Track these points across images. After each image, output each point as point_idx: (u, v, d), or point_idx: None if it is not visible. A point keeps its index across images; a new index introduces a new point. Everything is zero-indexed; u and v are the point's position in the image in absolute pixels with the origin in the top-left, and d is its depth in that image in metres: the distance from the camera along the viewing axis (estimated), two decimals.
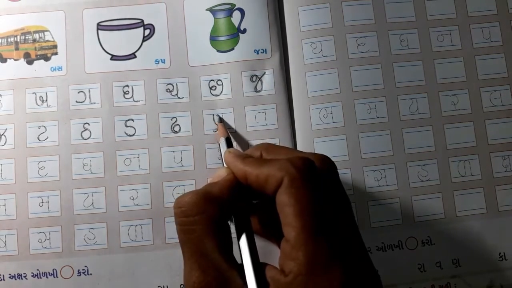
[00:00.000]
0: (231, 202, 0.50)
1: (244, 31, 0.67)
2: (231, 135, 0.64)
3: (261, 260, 0.49)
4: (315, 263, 0.43)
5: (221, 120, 0.65)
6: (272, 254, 0.52)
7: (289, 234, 0.45)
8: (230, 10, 0.67)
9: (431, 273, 0.63)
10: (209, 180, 0.55)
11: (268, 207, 0.52)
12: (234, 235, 0.49)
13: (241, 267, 0.47)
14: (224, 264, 0.46)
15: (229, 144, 0.60)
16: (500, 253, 0.64)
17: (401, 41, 0.67)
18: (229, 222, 0.50)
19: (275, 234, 0.53)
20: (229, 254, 0.48)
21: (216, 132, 0.65)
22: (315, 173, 0.47)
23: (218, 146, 0.60)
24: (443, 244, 0.64)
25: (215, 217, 0.48)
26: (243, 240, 0.49)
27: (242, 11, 0.67)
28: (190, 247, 0.48)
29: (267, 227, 0.56)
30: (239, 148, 0.64)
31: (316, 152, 0.64)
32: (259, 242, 0.51)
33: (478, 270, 0.63)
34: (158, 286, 0.63)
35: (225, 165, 0.54)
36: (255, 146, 0.55)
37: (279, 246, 0.54)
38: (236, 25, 0.67)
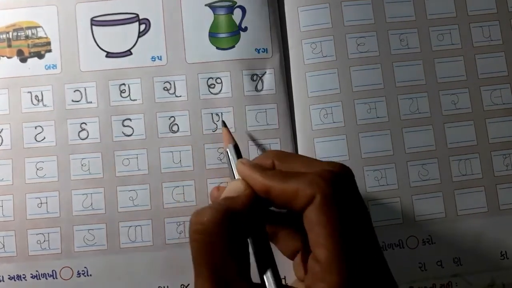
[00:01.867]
0: (252, 219, 0.48)
1: (245, 29, 0.67)
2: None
3: None
4: (348, 286, 0.42)
5: (224, 124, 0.63)
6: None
7: (321, 255, 0.43)
8: (231, 7, 0.67)
9: (432, 272, 0.64)
10: (225, 193, 0.50)
11: (279, 215, 0.52)
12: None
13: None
14: (242, 286, 0.44)
15: (237, 152, 0.57)
16: (501, 252, 0.64)
17: (401, 40, 0.67)
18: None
19: (284, 242, 0.53)
20: (247, 275, 0.45)
21: (215, 132, 0.64)
22: (344, 189, 0.46)
23: (226, 154, 0.59)
24: (444, 243, 0.64)
25: (237, 236, 0.45)
26: (269, 273, 0.47)
27: (243, 9, 0.67)
28: (206, 267, 0.44)
29: (276, 234, 0.55)
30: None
31: (316, 152, 0.64)
32: None
33: (479, 269, 0.64)
34: (158, 287, 0.63)
35: (236, 175, 0.53)
36: (264, 154, 0.53)
37: (285, 253, 0.53)
38: (237, 23, 0.67)
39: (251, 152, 0.65)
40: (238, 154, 0.57)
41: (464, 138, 0.65)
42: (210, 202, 0.63)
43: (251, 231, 0.49)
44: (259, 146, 0.65)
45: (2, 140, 0.65)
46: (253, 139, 0.65)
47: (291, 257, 0.52)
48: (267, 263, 0.47)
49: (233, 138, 0.60)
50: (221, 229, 0.44)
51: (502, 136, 0.66)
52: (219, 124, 0.65)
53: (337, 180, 0.45)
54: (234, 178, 0.54)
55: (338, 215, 0.44)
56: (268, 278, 0.47)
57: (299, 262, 0.51)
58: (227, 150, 0.58)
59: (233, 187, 0.50)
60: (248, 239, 0.48)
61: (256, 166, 0.50)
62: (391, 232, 0.64)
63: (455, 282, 0.63)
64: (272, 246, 0.53)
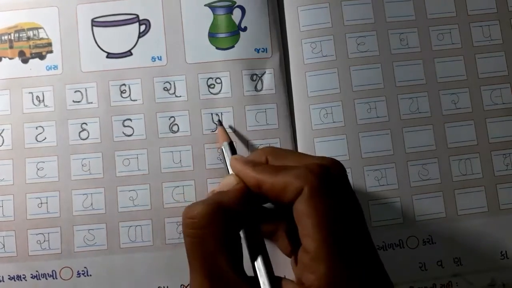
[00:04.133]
0: (243, 212, 0.49)
1: (245, 29, 0.67)
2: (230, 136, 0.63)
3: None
4: (336, 276, 0.43)
5: (220, 123, 0.65)
6: (271, 255, 0.51)
7: (309, 246, 0.44)
8: (230, 7, 0.67)
9: (432, 272, 0.63)
10: (215, 189, 0.53)
11: (276, 213, 0.52)
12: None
13: (251, 280, 0.47)
14: (236, 279, 0.45)
15: (232, 149, 0.59)
16: (501, 252, 0.64)
17: (401, 40, 0.67)
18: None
19: (283, 239, 0.53)
20: (240, 268, 0.47)
21: (215, 132, 0.64)
22: (333, 181, 0.46)
23: (221, 152, 0.59)
24: (444, 243, 0.64)
25: (227, 229, 0.47)
26: (259, 260, 0.48)
27: (242, 9, 0.67)
28: (199, 260, 0.46)
29: (275, 232, 0.55)
30: (239, 150, 0.64)
31: (316, 152, 0.64)
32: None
33: (479, 268, 0.64)
34: (158, 287, 0.63)
35: (230, 172, 0.53)
36: (258, 151, 0.54)
37: (283, 250, 0.54)
38: (237, 23, 0.67)
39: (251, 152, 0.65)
40: (233, 151, 0.59)
41: (464, 138, 0.65)
42: None
43: (243, 224, 0.50)
44: (259, 146, 0.65)
45: (3, 140, 0.65)
46: (253, 139, 0.65)
47: (290, 255, 0.52)
48: (258, 252, 0.48)
49: (228, 136, 0.61)
50: (212, 221, 0.46)
51: (502, 136, 0.66)
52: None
53: (326, 173, 0.46)
54: (229, 171, 0.55)
55: (325, 207, 0.44)
56: (258, 266, 0.48)
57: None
58: (222, 147, 0.59)
59: (226, 181, 0.52)
60: (240, 232, 0.49)
61: (248, 161, 0.51)
62: (391, 232, 0.64)
63: (455, 282, 0.63)
64: (274, 246, 0.54)
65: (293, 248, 0.51)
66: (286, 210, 0.47)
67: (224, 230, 0.46)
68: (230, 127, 0.65)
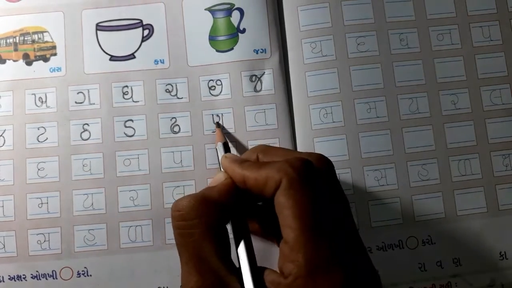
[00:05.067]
0: (229, 206, 0.50)
1: (244, 31, 0.67)
2: (229, 137, 0.64)
3: (261, 263, 0.49)
4: (315, 264, 0.43)
5: (218, 125, 0.65)
6: (272, 256, 0.52)
7: (288, 236, 0.44)
8: (229, 10, 0.67)
9: (431, 272, 0.63)
10: (208, 184, 0.55)
11: (268, 209, 0.52)
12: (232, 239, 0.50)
13: (240, 272, 0.48)
14: (222, 269, 0.47)
15: (226, 149, 0.60)
16: (500, 252, 0.64)
17: (400, 40, 0.67)
18: (227, 226, 0.50)
19: (276, 236, 0.54)
20: (228, 259, 0.48)
21: (215, 133, 0.65)
22: (313, 174, 0.47)
23: (216, 152, 0.60)
24: (443, 243, 0.64)
25: (213, 221, 0.48)
26: (241, 246, 0.49)
27: (241, 11, 0.67)
28: (188, 251, 0.48)
29: (267, 229, 0.56)
30: (236, 152, 0.64)
31: (316, 151, 0.64)
32: (259, 244, 0.52)
33: (478, 269, 0.63)
34: (158, 287, 0.63)
35: (222, 169, 0.55)
36: (251, 149, 0.56)
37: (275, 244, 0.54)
38: (236, 25, 0.67)
39: None
40: (226, 151, 0.60)
41: (464, 138, 0.65)
42: None
43: (229, 217, 0.51)
44: None
45: (4, 140, 0.65)
46: (253, 139, 0.65)
47: None
48: (241, 241, 0.50)
49: (224, 136, 0.63)
50: (198, 213, 0.48)
51: (501, 136, 0.65)
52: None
53: (305, 166, 0.47)
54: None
55: (304, 198, 0.45)
56: (241, 254, 0.49)
57: None
58: (217, 147, 0.61)
59: (215, 178, 0.53)
60: (228, 226, 0.50)
61: (237, 159, 0.53)
62: (391, 232, 0.64)
63: (455, 283, 0.63)
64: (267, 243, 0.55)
65: (277, 241, 0.52)
66: (271, 206, 0.48)
67: (210, 222, 0.48)
68: (229, 128, 0.65)
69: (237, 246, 0.49)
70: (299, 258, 0.43)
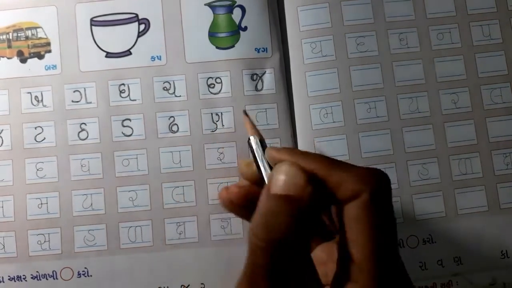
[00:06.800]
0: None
1: (245, 28, 0.66)
2: (230, 138, 0.64)
3: None
4: None
5: (246, 113, 0.59)
6: None
7: (356, 253, 0.41)
8: (230, 6, 0.67)
9: (432, 271, 0.64)
10: (271, 184, 0.43)
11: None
12: None
13: None
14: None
15: (263, 146, 0.51)
16: (502, 251, 0.64)
17: (400, 40, 0.67)
18: None
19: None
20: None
21: (214, 132, 0.64)
22: (388, 192, 0.43)
23: (248, 145, 0.52)
24: (444, 242, 0.64)
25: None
26: None
27: (243, 9, 0.67)
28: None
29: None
30: (236, 152, 0.64)
31: (316, 151, 0.64)
32: None
33: (480, 268, 0.64)
34: (158, 287, 0.63)
35: (263, 163, 0.48)
36: (278, 150, 0.47)
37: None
38: (237, 22, 0.67)
39: None
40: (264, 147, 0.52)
41: (464, 137, 0.65)
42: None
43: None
44: None
45: (2, 140, 0.65)
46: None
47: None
48: None
49: (257, 130, 0.54)
50: (298, 230, 0.42)
51: (502, 135, 0.66)
52: (219, 124, 0.65)
53: (384, 181, 0.43)
54: (261, 165, 0.49)
55: (380, 217, 0.42)
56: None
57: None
58: (250, 142, 0.52)
59: (289, 180, 0.43)
60: None
61: (296, 151, 0.48)
62: None
63: (456, 281, 0.63)
64: None
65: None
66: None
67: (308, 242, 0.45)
68: (229, 127, 0.65)
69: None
70: (365, 280, 0.40)
